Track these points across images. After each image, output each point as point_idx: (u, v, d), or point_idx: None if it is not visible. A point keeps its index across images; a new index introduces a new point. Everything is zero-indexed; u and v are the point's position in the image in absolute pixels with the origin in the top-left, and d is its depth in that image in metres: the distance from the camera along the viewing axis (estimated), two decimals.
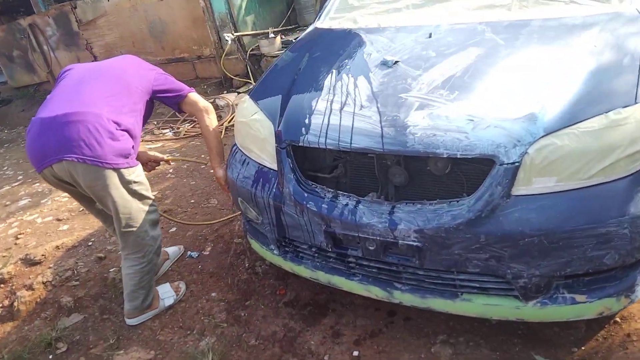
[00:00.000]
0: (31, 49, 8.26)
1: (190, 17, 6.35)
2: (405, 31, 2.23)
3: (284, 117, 1.97)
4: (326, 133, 1.80)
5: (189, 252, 2.80)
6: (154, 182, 3.81)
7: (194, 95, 2.34)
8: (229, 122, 5.02)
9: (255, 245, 2.25)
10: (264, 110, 2.11)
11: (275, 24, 6.58)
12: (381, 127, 1.69)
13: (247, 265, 2.55)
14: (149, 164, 2.60)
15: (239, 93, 5.81)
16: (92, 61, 7.90)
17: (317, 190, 1.84)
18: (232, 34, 5.89)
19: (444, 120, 1.61)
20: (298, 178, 1.87)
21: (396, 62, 1.96)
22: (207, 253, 2.78)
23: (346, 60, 2.13)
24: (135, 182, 2.04)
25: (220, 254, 2.73)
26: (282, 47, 5.80)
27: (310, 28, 2.73)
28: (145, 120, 2.24)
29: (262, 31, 6.22)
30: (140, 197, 2.10)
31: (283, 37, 6.17)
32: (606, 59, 1.72)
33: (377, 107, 1.77)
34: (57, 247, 3.16)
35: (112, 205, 2.03)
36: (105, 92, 2.02)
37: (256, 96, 2.24)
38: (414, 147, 1.59)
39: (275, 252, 2.10)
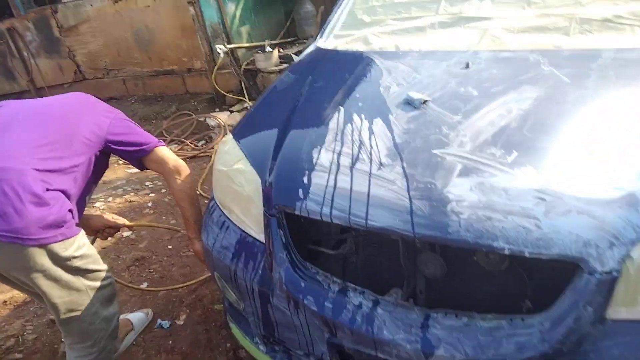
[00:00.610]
0: (10, 55, 7.78)
1: (179, 26, 5.90)
2: (433, 58, 1.77)
3: (275, 170, 1.51)
4: (332, 200, 1.33)
5: (159, 321, 2.32)
6: (129, 217, 3.33)
7: (161, 151, 1.83)
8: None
9: (237, 332, 1.77)
10: (249, 156, 1.64)
11: (272, 36, 6.13)
12: (410, 199, 1.22)
13: (228, 346, 2.07)
14: (106, 230, 2.12)
15: (231, 112, 5.34)
16: (76, 71, 7.46)
17: (318, 278, 1.37)
18: (225, 46, 5.43)
19: (502, 196, 1.14)
20: (293, 259, 1.40)
21: (425, 101, 1.50)
22: (181, 323, 2.29)
23: (357, 95, 1.67)
24: (75, 257, 1.56)
25: (196, 325, 2.25)
26: (280, 63, 5.35)
27: (311, 48, 2.27)
28: (97, 178, 1.76)
29: (258, 43, 5.76)
30: (86, 272, 1.62)
31: (281, 50, 5.71)
32: None
33: (403, 167, 1.30)
34: (4, 302, 2.68)
35: (42, 294, 1.55)
36: (36, 140, 1.54)
37: (241, 135, 1.77)
38: (460, 235, 1.12)
39: (261, 347, 1.62)
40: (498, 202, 1.13)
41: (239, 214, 1.61)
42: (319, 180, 1.39)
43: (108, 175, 3.69)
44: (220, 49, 5.43)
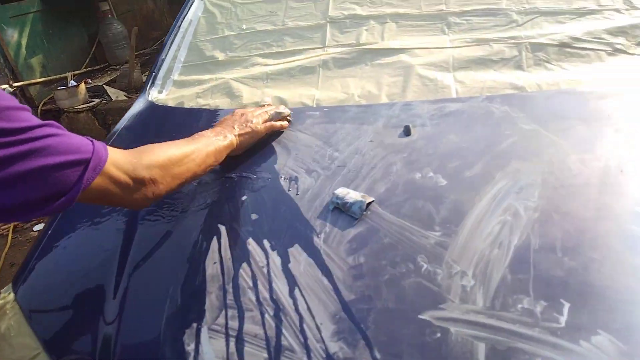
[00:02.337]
0: None
1: None
2: (347, 118, 1.21)
3: None
4: None
5: None
6: None
7: None
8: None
9: None
10: (38, 329, 0.91)
11: (76, 65, 5.11)
12: None
13: None
14: None
15: None
16: None
17: None
18: (11, 85, 4.31)
19: None
20: None
21: (368, 204, 0.93)
22: None
23: (244, 199, 1.03)
24: None
25: None
26: (90, 98, 4.40)
27: (140, 103, 1.55)
28: None
29: (57, 76, 4.72)
30: None
31: (89, 82, 4.75)
32: None
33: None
34: None
35: None
36: None
37: (28, 293, 1.01)
38: None
39: None
40: None
41: None
42: None
43: None
44: (3, 89, 4.28)
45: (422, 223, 0.88)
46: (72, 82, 4.49)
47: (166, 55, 1.67)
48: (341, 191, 0.94)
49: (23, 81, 4.46)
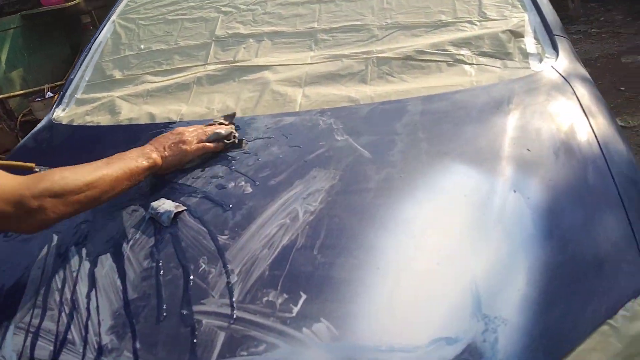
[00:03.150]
0: None
1: None
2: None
3: None
4: None
5: None
6: None
7: None
8: None
9: None
10: None
11: (58, 75, 5.27)
12: None
13: None
14: None
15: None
16: None
17: None
18: None
19: None
20: None
21: (178, 213, 1.04)
22: None
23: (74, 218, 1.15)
24: None
25: None
26: None
27: (43, 122, 1.68)
28: None
29: (35, 89, 4.89)
30: None
31: None
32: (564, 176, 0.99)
33: (135, 351, 0.83)
34: None
35: None
36: None
37: None
38: None
39: None
40: None
41: None
42: None
43: None
44: None
45: (216, 228, 0.99)
46: (49, 94, 4.65)
47: (75, 74, 1.80)
48: (156, 202, 1.06)
49: (3, 94, 4.64)
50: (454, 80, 1.30)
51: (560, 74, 1.26)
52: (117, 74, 1.71)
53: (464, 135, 1.10)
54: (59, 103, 1.73)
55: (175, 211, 1.04)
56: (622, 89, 3.37)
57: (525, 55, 1.34)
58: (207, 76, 1.53)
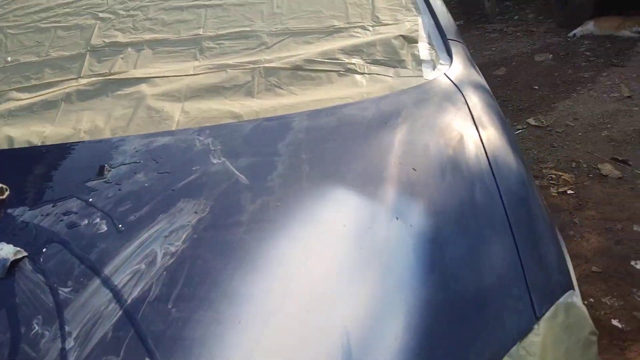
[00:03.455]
0: None
1: None
2: (55, 158, 1.17)
3: None
4: None
5: None
6: None
7: None
8: None
9: None
10: None
11: None
12: None
13: None
14: None
15: None
16: None
17: None
18: None
19: None
20: None
21: (18, 260, 0.89)
22: None
23: None
24: None
25: None
26: None
27: None
28: None
29: None
30: None
31: None
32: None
33: None
34: None
35: None
36: None
37: None
38: None
39: None
40: None
41: None
42: None
43: None
44: None
45: (59, 279, 0.84)
46: None
47: None
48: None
49: None
50: (344, 92, 1.21)
51: (453, 82, 1.18)
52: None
53: (347, 155, 1.00)
54: None
55: (12, 259, 0.88)
56: (536, 87, 3.42)
57: (419, 62, 1.27)
58: (78, 91, 1.36)
